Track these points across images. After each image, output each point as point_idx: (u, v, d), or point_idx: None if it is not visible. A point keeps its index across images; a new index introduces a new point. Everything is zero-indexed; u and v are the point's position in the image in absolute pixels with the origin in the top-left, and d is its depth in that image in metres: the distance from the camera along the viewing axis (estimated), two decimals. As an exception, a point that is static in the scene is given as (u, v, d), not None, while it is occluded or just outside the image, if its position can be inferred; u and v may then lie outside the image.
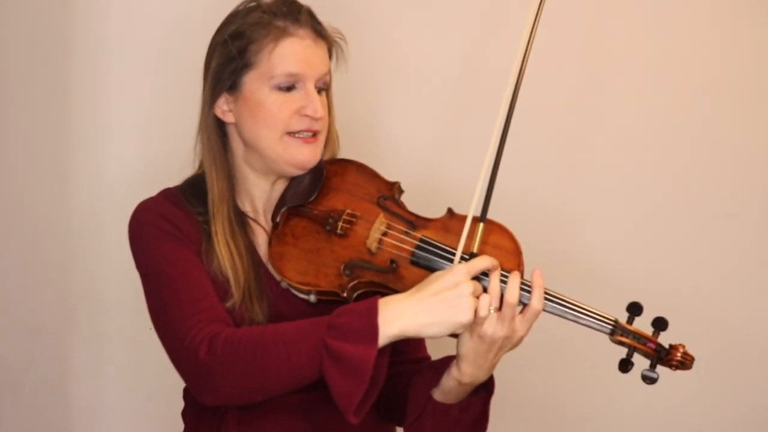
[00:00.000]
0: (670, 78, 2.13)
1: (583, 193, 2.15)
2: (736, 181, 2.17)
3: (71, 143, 2.01)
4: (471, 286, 1.28)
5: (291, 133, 1.45)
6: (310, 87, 1.45)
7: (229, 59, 1.47)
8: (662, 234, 2.17)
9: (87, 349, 2.07)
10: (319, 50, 1.47)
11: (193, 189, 1.52)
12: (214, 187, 1.49)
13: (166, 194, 1.51)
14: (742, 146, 2.16)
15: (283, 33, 1.45)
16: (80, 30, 1.98)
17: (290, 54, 1.45)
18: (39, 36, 1.97)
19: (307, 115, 1.45)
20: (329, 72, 1.50)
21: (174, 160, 2.00)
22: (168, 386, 2.05)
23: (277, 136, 1.45)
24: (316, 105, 1.45)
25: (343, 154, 1.60)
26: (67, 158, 2.01)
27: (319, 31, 1.48)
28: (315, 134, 1.47)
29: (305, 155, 1.46)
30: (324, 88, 1.50)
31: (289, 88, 1.45)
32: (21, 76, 1.98)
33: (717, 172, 2.16)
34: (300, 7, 1.48)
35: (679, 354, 1.36)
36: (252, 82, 1.46)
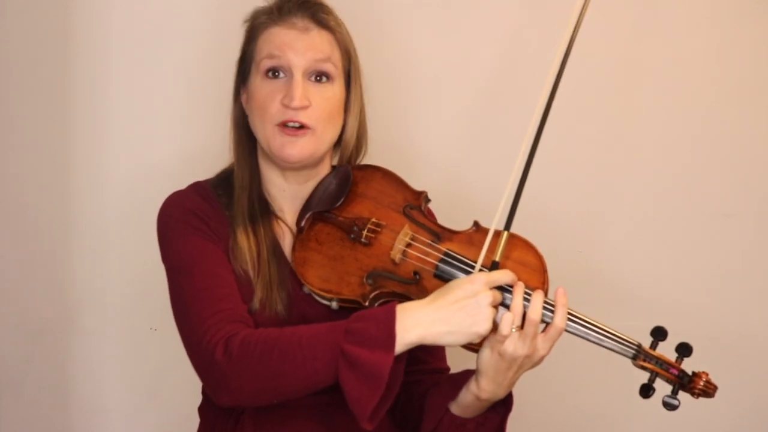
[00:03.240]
0: (670, 78, 2.13)
1: (583, 194, 2.15)
2: (736, 181, 2.17)
3: (71, 143, 2.01)
4: (490, 296, 1.28)
5: (280, 126, 1.44)
6: (297, 76, 1.43)
7: (243, 53, 1.52)
8: (662, 234, 2.16)
9: (87, 349, 2.07)
10: (309, 38, 1.45)
11: (224, 183, 1.52)
12: (238, 176, 1.50)
13: (197, 188, 1.51)
14: (742, 146, 2.16)
15: (272, 22, 1.47)
16: (80, 30, 1.98)
17: (273, 38, 1.46)
18: (39, 36, 1.96)
19: (285, 105, 1.43)
20: (331, 61, 1.46)
21: (174, 160, 2.01)
22: (168, 386, 2.06)
23: (268, 127, 1.45)
24: (294, 93, 1.42)
25: (367, 160, 1.59)
26: (67, 158, 2.01)
27: (318, 20, 1.46)
28: (303, 127, 1.44)
29: (288, 148, 1.44)
30: (325, 76, 1.46)
31: (276, 74, 1.45)
32: (21, 76, 1.97)
33: (717, 172, 2.16)
34: None
35: (702, 382, 1.34)
36: (253, 73, 1.48)
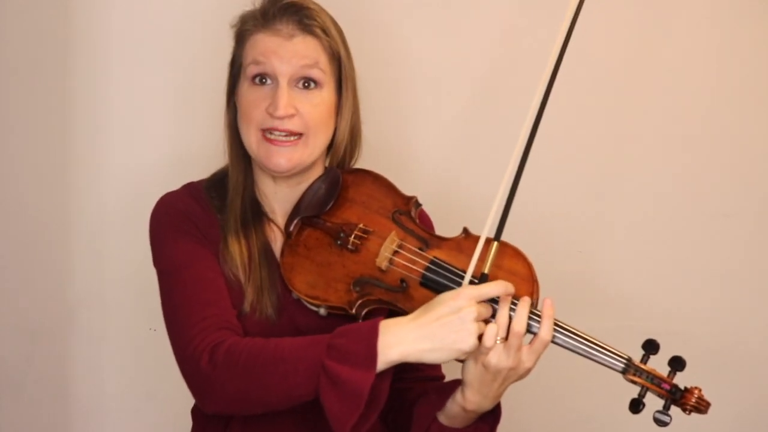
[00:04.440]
0: (669, 78, 2.13)
1: (583, 193, 2.15)
2: (736, 181, 2.17)
3: (71, 143, 2.01)
4: (474, 311, 1.25)
5: (265, 134, 1.42)
6: (283, 83, 1.41)
7: (233, 57, 1.50)
8: (661, 234, 2.16)
9: (87, 349, 2.07)
10: (293, 45, 1.42)
11: (217, 185, 1.50)
12: (232, 179, 1.49)
13: (189, 189, 1.50)
14: (742, 146, 2.16)
15: (257, 29, 1.45)
16: (80, 30, 1.98)
17: (258, 44, 1.44)
18: (39, 36, 1.96)
19: (270, 113, 1.41)
20: (318, 66, 1.43)
21: (174, 160, 2.01)
22: (168, 386, 2.06)
23: (253, 133, 1.43)
24: (279, 102, 1.40)
25: (362, 161, 1.58)
26: (67, 159, 2.01)
27: (303, 25, 1.43)
28: (290, 135, 1.42)
29: (275, 158, 1.42)
30: (312, 82, 1.43)
31: (262, 81, 1.43)
32: (21, 76, 1.97)
33: (717, 172, 2.16)
34: (279, 2, 1.45)
35: (694, 398, 1.30)
36: (241, 79, 1.47)
